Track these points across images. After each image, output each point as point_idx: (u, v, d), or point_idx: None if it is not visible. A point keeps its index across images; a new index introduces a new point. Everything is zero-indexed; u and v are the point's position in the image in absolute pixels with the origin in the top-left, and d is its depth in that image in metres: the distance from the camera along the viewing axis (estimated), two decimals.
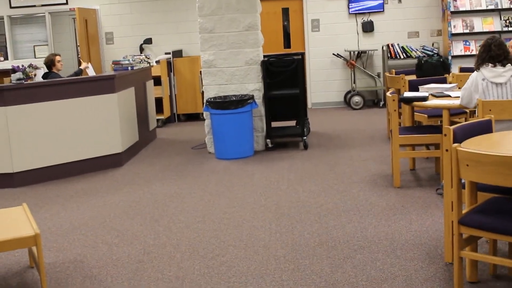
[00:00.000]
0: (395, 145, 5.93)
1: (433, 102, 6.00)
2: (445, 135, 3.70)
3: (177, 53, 11.83)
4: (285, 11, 12.38)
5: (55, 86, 7.29)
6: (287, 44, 12.44)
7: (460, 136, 3.74)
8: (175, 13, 12.22)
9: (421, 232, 4.69)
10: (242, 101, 7.74)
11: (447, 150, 3.68)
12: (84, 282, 4.16)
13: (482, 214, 3.47)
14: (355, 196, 5.78)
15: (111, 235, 5.13)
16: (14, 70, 11.21)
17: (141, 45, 12.24)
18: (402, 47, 11.65)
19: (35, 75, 9.31)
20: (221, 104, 7.74)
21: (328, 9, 12.07)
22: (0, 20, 12.76)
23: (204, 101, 8.12)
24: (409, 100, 6.16)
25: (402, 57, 11.59)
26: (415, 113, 7.04)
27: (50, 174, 7.26)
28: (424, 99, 6.02)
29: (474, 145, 3.59)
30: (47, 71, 8.96)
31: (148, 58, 9.49)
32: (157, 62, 11.08)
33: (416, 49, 11.63)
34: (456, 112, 6.71)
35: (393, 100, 5.99)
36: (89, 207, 6.04)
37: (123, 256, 4.61)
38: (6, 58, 12.84)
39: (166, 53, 11.78)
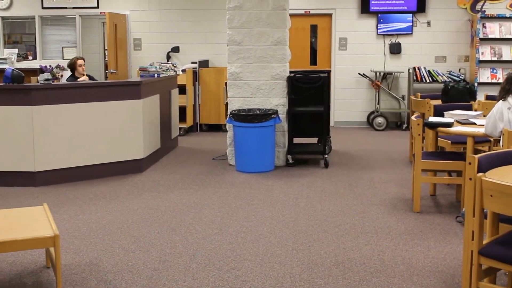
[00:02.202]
0: (417, 169, 5.90)
1: (458, 128, 5.97)
2: (470, 163, 3.67)
3: (204, 63, 11.89)
4: (314, 28, 12.41)
5: (81, 89, 7.35)
6: (314, 61, 12.46)
7: (485, 165, 3.71)
8: (204, 23, 12.29)
9: (438, 259, 4.65)
10: (266, 116, 7.75)
11: (470, 179, 3.65)
12: (98, 286, 4.18)
13: (503, 246, 3.44)
14: (373, 218, 5.75)
15: (127, 240, 5.14)
16: (42, 70, 11.34)
17: (168, 53, 12.33)
18: (429, 71, 11.61)
19: (61, 76, 9.41)
20: (245, 117, 7.76)
21: (357, 29, 12.08)
22: (31, 20, 12.92)
23: (228, 112, 8.14)
24: (433, 125, 6.14)
25: (428, 81, 11.55)
26: (438, 138, 7.00)
27: (71, 176, 7.30)
28: (449, 125, 5.99)
29: (498, 176, 3.56)
30: (70, 75, 9.07)
31: (175, 67, 9.54)
32: (183, 71, 11.14)
33: (443, 74, 11.59)
34: (480, 140, 6.66)
35: (418, 124, 5.97)
36: (108, 211, 6.07)
37: (139, 262, 4.62)
38: (34, 58, 12.99)
39: (192, 63, 11.83)
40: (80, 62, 9.04)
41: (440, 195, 6.64)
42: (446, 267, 4.49)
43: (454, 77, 11.47)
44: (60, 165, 7.22)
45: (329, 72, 8.92)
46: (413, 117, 6.20)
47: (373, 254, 4.77)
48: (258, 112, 7.86)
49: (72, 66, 9.00)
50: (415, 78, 11.58)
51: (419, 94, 8.66)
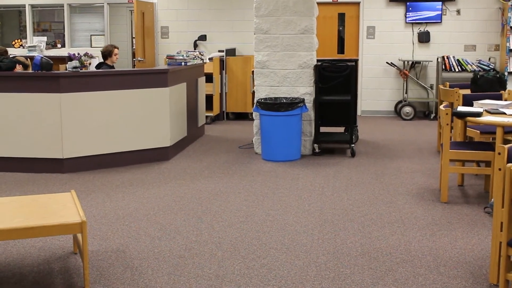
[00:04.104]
0: (445, 159, 5.84)
1: (487, 118, 5.88)
2: (499, 153, 3.62)
3: (231, 52, 11.88)
4: (341, 16, 12.32)
5: (109, 76, 7.39)
6: (341, 50, 12.38)
7: None
8: (231, 11, 12.27)
9: (466, 250, 4.60)
10: (293, 104, 7.73)
11: (500, 169, 3.61)
12: (125, 272, 4.21)
13: None
14: (400, 208, 5.71)
15: (154, 228, 5.17)
16: (70, 58, 11.42)
17: (196, 41, 12.33)
18: (458, 60, 11.48)
19: (89, 64, 9.46)
20: (272, 105, 7.74)
21: (385, 17, 11.97)
22: (60, 8, 13.02)
23: (254, 101, 8.13)
24: (462, 115, 6.06)
25: (457, 70, 11.42)
26: (467, 128, 6.92)
27: (99, 163, 7.36)
28: (478, 114, 5.91)
29: None
30: (101, 61, 9.08)
31: (202, 55, 9.54)
32: (210, 59, 11.14)
33: (472, 63, 11.45)
34: (510, 130, 6.56)
35: (446, 113, 5.90)
36: (134, 198, 6.11)
37: (165, 250, 4.64)
38: (63, 46, 13.09)
39: (219, 51, 11.83)
40: (116, 51, 9.06)
41: (468, 185, 6.57)
42: (473, 258, 4.44)
43: (483, 66, 11.32)
44: (88, 152, 7.28)
45: (356, 61, 8.84)
46: (441, 107, 6.13)
47: (399, 244, 4.74)
48: (284, 101, 7.84)
49: (108, 53, 9.01)
50: (443, 67, 11.45)
51: (447, 83, 8.57)
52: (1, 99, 7.11)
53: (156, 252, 4.60)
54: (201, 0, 12.36)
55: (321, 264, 4.33)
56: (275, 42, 8.16)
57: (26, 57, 9.65)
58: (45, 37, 13.17)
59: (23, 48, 13.00)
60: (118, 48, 9.19)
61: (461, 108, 6.27)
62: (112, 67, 8.96)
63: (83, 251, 3.87)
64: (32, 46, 12.80)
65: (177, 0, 12.45)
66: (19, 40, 13.32)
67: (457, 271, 4.19)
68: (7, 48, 9.91)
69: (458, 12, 11.77)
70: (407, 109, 11.54)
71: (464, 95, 7.33)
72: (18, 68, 8.15)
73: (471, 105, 6.71)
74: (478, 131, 6.89)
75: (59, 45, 13.16)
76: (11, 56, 9.15)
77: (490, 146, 5.91)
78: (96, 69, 8.72)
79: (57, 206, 4.19)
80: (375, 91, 12.20)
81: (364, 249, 4.64)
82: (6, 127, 7.17)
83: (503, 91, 7.79)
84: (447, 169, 5.86)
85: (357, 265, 4.31)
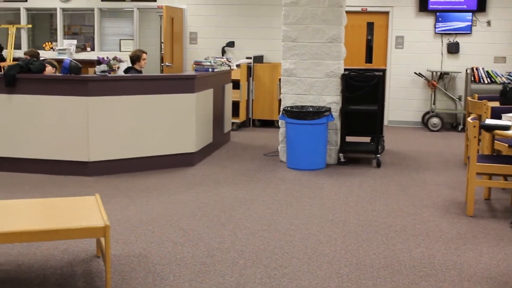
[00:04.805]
0: (472, 172, 5.77)
1: None
2: None
3: (258, 59, 11.89)
4: (370, 26, 12.28)
5: (136, 81, 7.43)
6: (369, 59, 12.33)
7: None
8: (259, 18, 12.29)
9: (491, 266, 4.54)
10: (319, 113, 7.70)
11: None
12: (146, 277, 4.22)
13: None
14: (425, 221, 5.65)
15: (177, 233, 5.18)
16: (99, 62, 11.52)
17: (224, 47, 12.37)
18: (487, 72, 11.36)
19: (118, 68, 9.54)
20: (298, 114, 7.72)
21: (414, 27, 11.89)
22: (91, 12, 13.14)
23: (281, 109, 8.12)
24: (490, 128, 5.99)
25: (486, 82, 11.30)
26: (495, 141, 6.84)
27: (124, 167, 7.40)
28: (507, 128, 5.83)
29: None
30: (130, 66, 9.14)
31: (229, 61, 9.56)
32: (238, 65, 11.16)
33: (502, 75, 11.32)
34: None
35: (474, 126, 5.83)
36: (158, 203, 6.13)
37: (187, 256, 4.65)
38: (92, 49, 13.21)
39: (247, 58, 11.85)
40: (144, 56, 9.11)
41: (495, 199, 6.49)
42: (498, 274, 4.38)
43: None
44: (113, 156, 7.33)
45: (384, 70, 8.79)
46: (469, 119, 6.06)
47: (423, 257, 4.69)
48: (311, 109, 7.82)
49: (136, 58, 9.06)
50: (472, 79, 11.34)
51: (476, 95, 8.48)
52: (29, 100, 7.19)
53: (178, 258, 4.61)
54: (230, 7, 12.39)
55: (343, 276, 4.30)
56: (302, 50, 8.14)
57: (55, 60, 9.76)
58: (75, 40, 13.32)
59: (53, 50, 13.16)
60: (146, 53, 9.24)
61: (489, 121, 6.19)
62: (140, 72, 9.01)
63: (106, 255, 3.89)
64: (62, 49, 12.95)
65: (206, 6, 12.50)
66: (49, 43, 13.47)
67: (482, 287, 4.13)
68: (38, 51, 10.04)
69: (489, 23, 11.66)
70: (435, 120, 11.45)
71: (492, 108, 7.25)
72: (50, 70, 8.24)
73: (500, 118, 6.62)
74: (506, 145, 6.80)
75: (88, 49, 13.29)
76: (41, 59, 9.26)
77: None
78: (124, 73, 8.78)
79: (81, 210, 4.22)
80: (402, 101, 12.12)
81: (387, 261, 4.59)
82: (33, 129, 7.24)
83: None
84: (474, 183, 5.79)
85: (379, 277, 4.28)
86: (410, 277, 4.28)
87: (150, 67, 10.48)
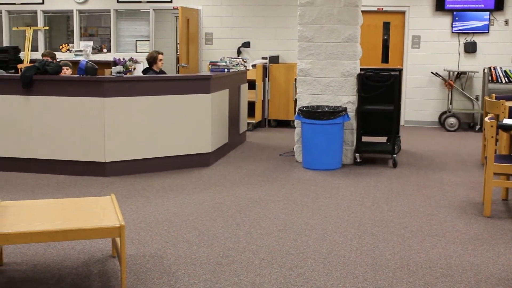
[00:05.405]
0: (489, 173, 5.72)
1: None
2: None
3: (274, 59, 11.88)
4: (386, 25, 12.22)
5: (152, 82, 7.45)
6: (385, 59, 12.28)
7: None
8: (275, 19, 12.28)
9: (509, 267, 4.49)
10: (335, 113, 7.68)
11: None
12: (162, 277, 4.22)
13: None
14: (441, 221, 5.61)
15: (192, 234, 5.18)
16: (115, 63, 11.59)
17: (239, 48, 12.37)
18: (505, 71, 11.27)
19: (134, 69, 9.58)
20: (313, 114, 7.70)
21: (431, 27, 11.82)
22: (107, 13, 13.20)
23: (297, 109, 8.11)
24: (508, 128, 5.94)
25: (503, 81, 11.21)
26: None
27: (140, 167, 7.42)
28: None
29: None
30: (148, 67, 9.18)
31: (245, 62, 9.56)
32: (253, 66, 11.16)
33: None
34: None
35: (491, 126, 5.78)
36: (174, 203, 6.14)
37: (202, 256, 4.65)
38: (109, 50, 13.27)
39: (263, 58, 11.85)
40: (160, 57, 9.15)
41: None
42: None
43: None
44: (130, 156, 7.35)
45: (400, 70, 8.74)
46: (486, 119, 6.01)
47: (439, 258, 4.65)
48: (327, 109, 7.80)
49: (152, 60, 9.10)
50: (490, 78, 11.26)
51: (493, 95, 8.41)
52: (46, 102, 7.23)
53: (194, 258, 4.61)
54: (246, 7, 12.40)
55: (359, 276, 4.28)
56: (318, 50, 8.12)
57: (72, 61, 9.82)
58: (92, 42, 13.39)
59: (70, 52, 13.23)
60: (162, 54, 9.26)
61: (507, 121, 6.14)
62: (159, 72, 9.04)
63: (121, 255, 3.90)
64: (78, 50, 13.02)
65: (221, 7, 12.51)
66: (66, 45, 13.54)
67: None
68: (55, 53, 10.09)
69: (506, 22, 11.56)
70: (452, 120, 11.37)
71: (510, 107, 7.19)
72: (66, 71, 8.27)
73: None
74: None
75: (105, 50, 13.34)
76: (58, 60, 9.31)
77: None
78: (143, 74, 8.82)
79: (97, 210, 4.24)
80: (419, 101, 12.05)
81: (403, 262, 4.56)
82: (50, 129, 7.28)
83: None
84: (491, 183, 5.74)
85: (395, 278, 4.25)
86: (426, 278, 4.25)
87: (166, 67, 10.49)
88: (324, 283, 4.14)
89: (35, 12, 13.49)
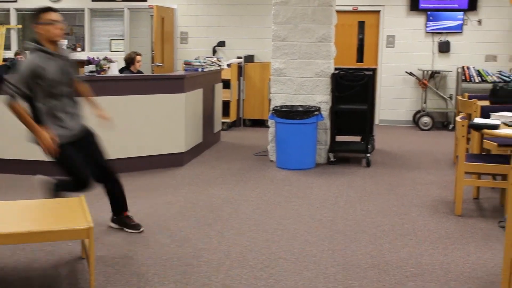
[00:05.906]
0: (460, 172, 5.76)
1: (504, 131, 5.79)
2: None
3: (249, 58, 11.87)
4: (361, 25, 12.26)
5: (125, 81, 7.40)
6: (360, 58, 12.32)
7: None
8: (250, 18, 12.26)
9: (478, 265, 4.52)
10: (308, 113, 7.68)
11: None
12: (131, 278, 4.18)
13: None
14: (413, 220, 5.64)
15: (163, 234, 5.15)
16: (89, 62, 11.48)
17: (214, 47, 12.33)
18: (478, 71, 11.36)
19: (108, 68, 9.50)
20: (287, 113, 7.70)
21: (405, 26, 11.89)
22: (81, 12, 13.09)
23: (271, 108, 8.10)
24: (479, 127, 5.97)
25: (477, 80, 11.30)
26: (484, 140, 6.83)
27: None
28: (495, 127, 5.82)
29: None
30: (124, 66, 9.11)
31: (220, 61, 9.54)
32: (228, 65, 11.13)
33: (492, 74, 11.33)
34: None
35: (463, 125, 5.82)
36: (146, 204, 6.10)
37: (173, 257, 4.62)
38: (83, 49, 13.16)
39: (238, 57, 11.82)
40: (138, 58, 9.08)
41: (484, 198, 6.48)
42: (485, 273, 4.36)
43: (504, 77, 11.19)
44: None
45: (374, 69, 8.77)
46: (458, 118, 6.05)
47: (410, 257, 4.67)
48: (300, 109, 7.80)
49: (130, 61, 9.04)
50: (463, 78, 11.34)
51: (466, 94, 8.48)
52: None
53: (164, 259, 4.58)
54: (221, 6, 12.36)
55: (330, 276, 4.28)
56: (292, 49, 8.12)
57: None
58: (66, 41, 13.25)
59: None
60: (141, 55, 9.20)
61: (478, 120, 6.18)
62: (136, 73, 8.97)
63: (90, 256, 3.86)
64: None
65: (197, 6, 12.46)
66: None
67: (468, 287, 4.12)
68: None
69: (480, 22, 11.66)
70: (426, 119, 11.44)
71: (482, 107, 7.24)
72: None
73: (489, 117, 6.61)
74: (496, 144, 6.79)
75: (79, 49, 13.23)
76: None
77: (506, 159, 5.81)
78: (119, 73, 8.75)
79: (66, 211, 4.19)
80: (393, 101, 12.11)
81: (375, 261, 4.57)
82: (21, 129, 7.18)
83: None
84: (462, 182, 5.78)
85: (366, 277, 4.25)
86: (396, 277, 4.26)
87: (142, 67, 10.42)
88: (294, 283, 4.13)
89: (8, 10, 13.34)
